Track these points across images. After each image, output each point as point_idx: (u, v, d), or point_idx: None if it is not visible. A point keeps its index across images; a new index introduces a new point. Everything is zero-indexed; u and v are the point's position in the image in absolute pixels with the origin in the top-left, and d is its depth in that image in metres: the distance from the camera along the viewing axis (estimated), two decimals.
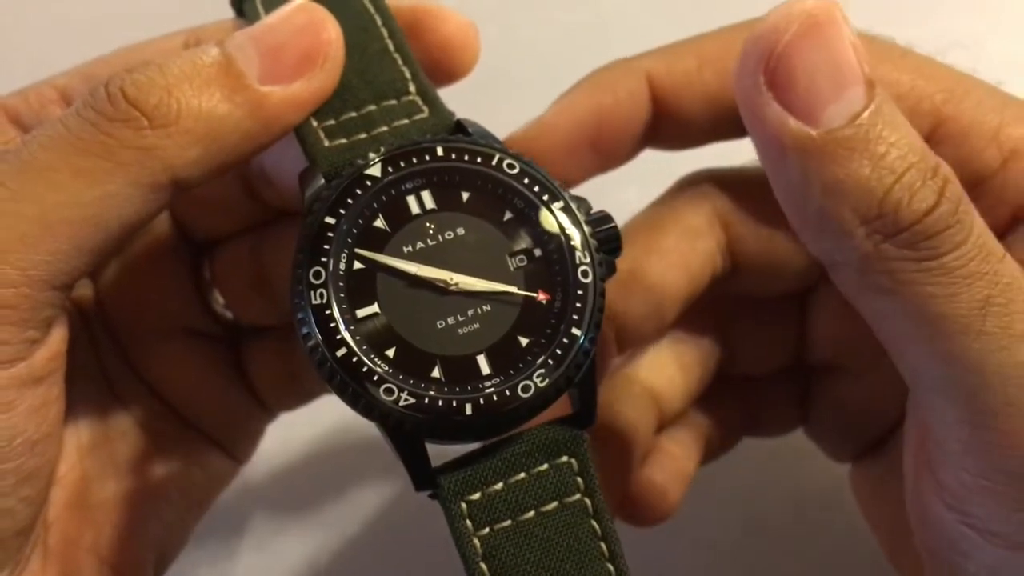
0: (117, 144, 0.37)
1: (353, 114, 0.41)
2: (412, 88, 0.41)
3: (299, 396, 0.51)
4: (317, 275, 0.37)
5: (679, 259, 0.45)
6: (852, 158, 0.34)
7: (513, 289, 0.38)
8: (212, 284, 0.50)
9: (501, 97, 0.59)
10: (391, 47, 0.42)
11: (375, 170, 0.38)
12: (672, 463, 0.49)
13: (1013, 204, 0.41)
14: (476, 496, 0.38)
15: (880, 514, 0.48)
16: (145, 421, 0.48)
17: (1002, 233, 0.40)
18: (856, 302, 0.37)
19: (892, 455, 0.46)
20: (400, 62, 0.42)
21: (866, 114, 0.34)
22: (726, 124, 0.45)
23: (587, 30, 0.71)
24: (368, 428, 0.38)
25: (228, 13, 0.46)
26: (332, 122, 0.41)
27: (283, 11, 0.40)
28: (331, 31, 0.40)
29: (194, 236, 0.49)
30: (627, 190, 0.64)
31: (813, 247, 0.37)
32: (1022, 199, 0.41)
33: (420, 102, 0.41)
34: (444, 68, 0.44)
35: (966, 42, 0.67)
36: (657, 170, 0.65)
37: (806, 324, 0.49)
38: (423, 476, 0.38)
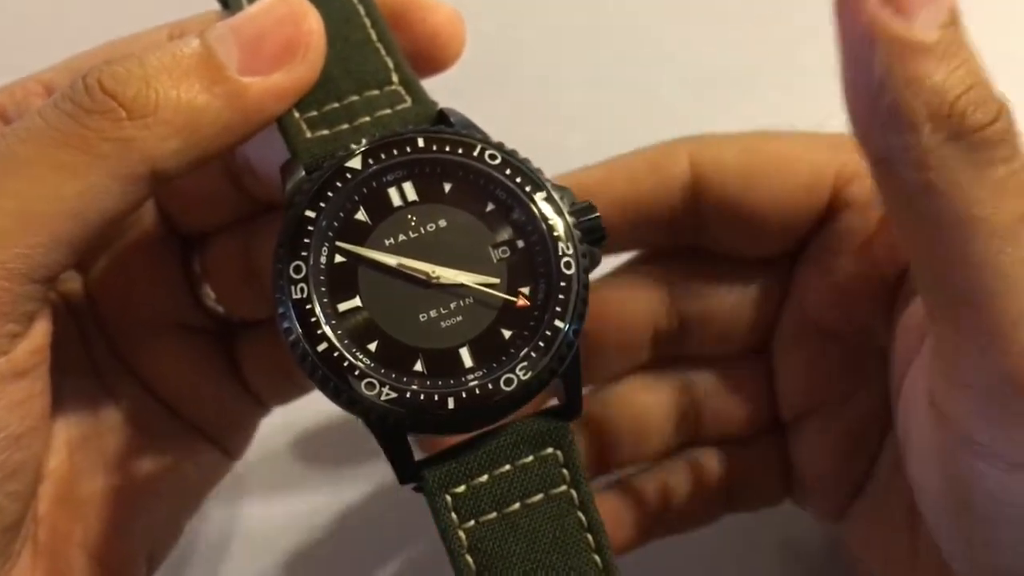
0: (95, 136, 0.37)
1: (335, 105, 0.40)
2: (395, 78, 0.41)
3: (292, 390, 0.51)
4: (297, 269, 0.36)
5: (616, 314, 0.48)
6: (929, 61, 0.36)
7: (495, 281, 0.38)
8: (202, 278, 0.49)
9: (500, 97, 0.59)
10: (374, 36, 0.42)
11: (355, 162, 0.38)
12: None
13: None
14: (461, 489, 0.37)
15: (874, 554, 0.49)
16: (136, 416, 0.47)
17: None
18: (898, 204, 0.39)
19: (877, 489, 0.48)
20: (383, 52, 0.41)
21: (951, 28, 0.36)
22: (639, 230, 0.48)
23: (587, 30, 0.70)
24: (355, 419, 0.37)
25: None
26: (314, 113, 0.40)
27: (264, 2, 0.40)
28: (312, 22, 0.40)
29: (183, 230, 0.49)
30: None
31: (876, 143, 0.39)
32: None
33: (403, 92, 0.41)
34: (430, 59, 0.43)
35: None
36: None
37: (774, 372, 0.50)
38: (407, 469, 0.37)
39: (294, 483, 0.58)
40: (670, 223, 0.47)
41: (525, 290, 0.38)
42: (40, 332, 0.39)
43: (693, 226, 0.48)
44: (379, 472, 0.58)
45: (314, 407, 0.52)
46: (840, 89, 0.38)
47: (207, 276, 0.49)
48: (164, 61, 0.38)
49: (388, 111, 0.40)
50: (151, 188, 0.39)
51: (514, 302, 0.37)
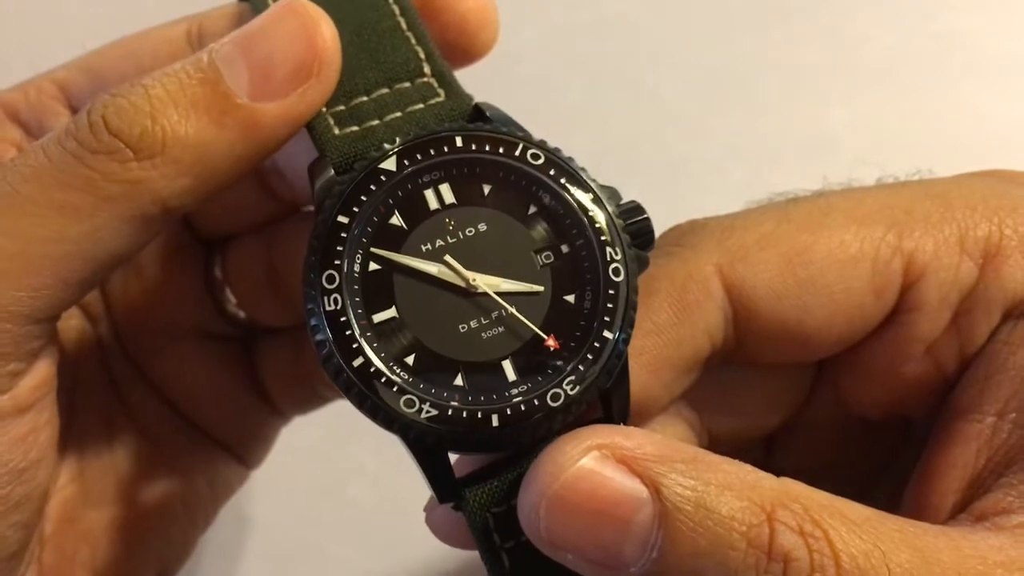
0: (101, 178, 0.34)
1: (364, 98, 0.36)
2: (427, 69, 0.37)
3: (313, 399, 0.47)
4: (331, 279, 0.33)
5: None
6: None
7: (539, 289, 0.34)
8: (223, 283, 0.45)
9: (500, 97, 0.55)
10: (403, 25, 0.38)
11: (390, 163, 0.34)
12: None
13: (1003, 305, 0.37)
14: (502, 508, 0.33)
15: None
16: (152, 431, 0.44)
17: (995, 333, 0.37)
18: None
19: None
20: (413, 41, 0.37)
21: (658, 536, 0.30)
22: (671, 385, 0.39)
23: (587, 30, 0.67)
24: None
25: None
26: (341, 107, 0.36)
27: (273, 13, 0.36)
28: (325, 34, 0.35)
29: (204, 233, 0.45)
30: (628, 193, 0.60)
31: None
32: (1009, 297, 0.37)
33: (435, 84, 0.37)
34: (461, 48, 0.39)
35: (965, 40, 0.64)
36: (660, 173, 0.62)
37: (775, 443, 0.43)
38: (447, 489, 0.34)
39: (303, 484, 0.56)
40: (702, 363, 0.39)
41: (570, 298, 0.34)
42: (44, 366, 0.37)
43: (726, 351, 0.39)
44: (391, 472, 0.55)
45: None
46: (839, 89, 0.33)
47: (228, 281, 0.45)
48: (170, 90, 0.34)
49: (420, 106, 0.36)
50: (164, 224, 0.35)
51: (542, 339, 0.33)
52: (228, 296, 0.45)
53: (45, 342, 0.36)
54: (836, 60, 0.65)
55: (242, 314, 0.46)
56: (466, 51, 0.39)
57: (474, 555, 0.53)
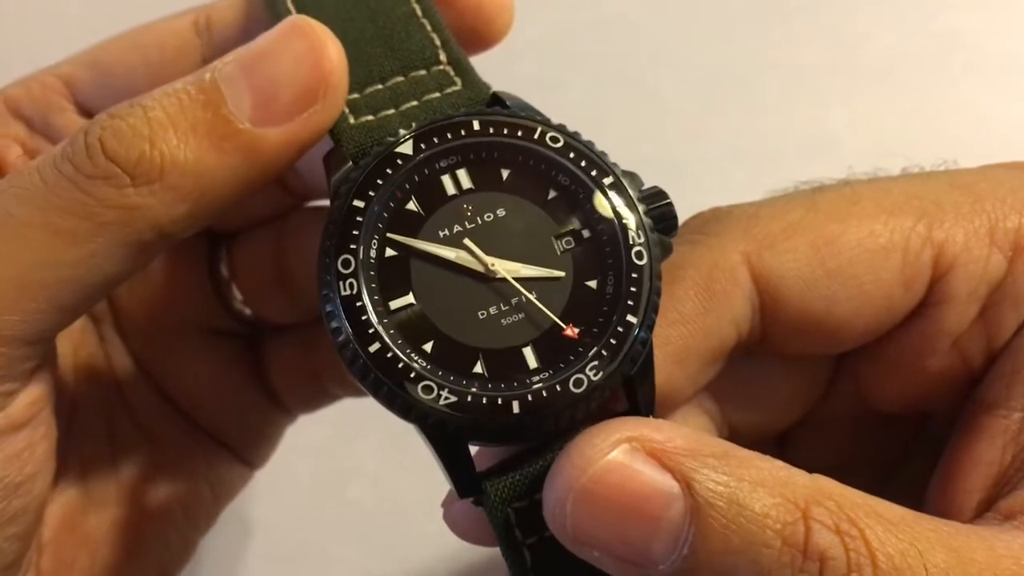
0: (97, 204, 0.33)
1: (379, 86, 0.36)
2: (443, 57, 0.36)
3: (321, 397, 0.46)
4: (346, 264, 0.32)
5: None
6: None
7: (560, 275, 0.33)
8: (230, 279, 0.44)
9: None
10: (418, 11, 0.37)
11: (406, 147, 0.33)
12: None
13: None
14: (523, 503, 0.32)
15: None
16: (154, 432, 0.43)
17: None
18: None
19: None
20: (429, 28, 0.37)
21: (690, 533, 0.29)
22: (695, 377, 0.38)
23: (587, 30, 0.67)
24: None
25: None
26: (356, 96, 0.35)
27: (278, 32, 0.34)
28: (332, 56, 0.34)
29: (210, 228, 0.44)
30: None
31: None
32: None
33: (452, 72, 0.36)
34: (475, 34, 0.38)
35: (965, 40, 0.64)
36: (660, 173, 0.62)
37: (790, 440, 0.42)
38: (468, 482, 0.32)
39: (303, 484, 0.55)
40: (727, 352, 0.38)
41: (592, 283, 0.33)
42: (40, 383, 0.36)
43: (751, 342, 0.38)
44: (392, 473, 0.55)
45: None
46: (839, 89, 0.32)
47: (235, 277, 0.44)
48: (169, 112, 0.33)
49: (437, 94, 0.35)
50: (162, 248, 0.34)
51: (562, 328, 0.32)
52: (234, 293, 0.44)
53: (40, 362, 0.35)
54: (836, 60, 0.65)
55: (248, 311, 0.45)
56: (483, 37, 0.38)
57: (476, 556, 0.52)
